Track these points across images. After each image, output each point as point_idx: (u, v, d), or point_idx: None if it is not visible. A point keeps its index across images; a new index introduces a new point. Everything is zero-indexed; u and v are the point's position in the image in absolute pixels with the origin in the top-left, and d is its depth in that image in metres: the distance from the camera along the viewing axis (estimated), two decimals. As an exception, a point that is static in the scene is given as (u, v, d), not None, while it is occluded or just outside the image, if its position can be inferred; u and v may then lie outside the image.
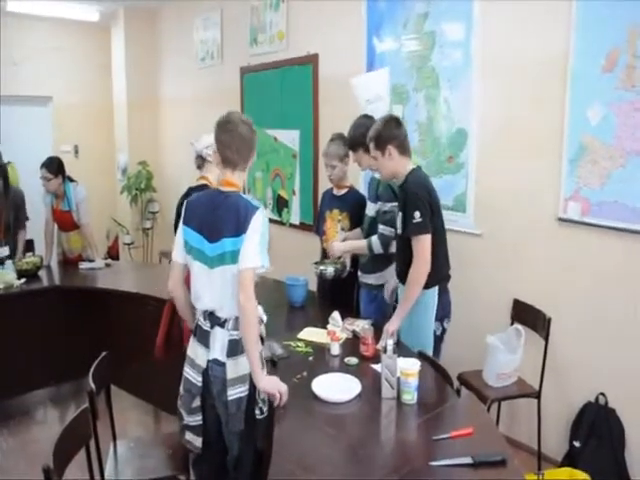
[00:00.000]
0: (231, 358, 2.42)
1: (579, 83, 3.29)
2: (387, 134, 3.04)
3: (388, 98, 4.16)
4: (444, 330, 3.10)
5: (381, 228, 3.38)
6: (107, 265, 5.00)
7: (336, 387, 2.46)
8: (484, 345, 3.46)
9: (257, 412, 2.45)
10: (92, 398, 2.43)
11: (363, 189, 4.64)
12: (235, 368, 2.42)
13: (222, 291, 2.43)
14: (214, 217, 2.42)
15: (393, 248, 3.36)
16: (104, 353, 2.79)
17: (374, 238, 3.40)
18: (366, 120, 3.48)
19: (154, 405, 4.35)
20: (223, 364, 2.43)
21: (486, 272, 3.90)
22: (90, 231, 5.02)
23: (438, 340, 3.09)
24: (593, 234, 3.31)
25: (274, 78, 5.62)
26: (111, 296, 4.41)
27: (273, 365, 2.73)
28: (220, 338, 2.45)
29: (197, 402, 2.55)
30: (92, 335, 4.46)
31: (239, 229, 2.34)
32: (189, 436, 2.58)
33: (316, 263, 3.68)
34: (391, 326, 2.94)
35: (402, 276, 3.08)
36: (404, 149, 3.08)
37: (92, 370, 2.60)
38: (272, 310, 3.63)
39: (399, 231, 3.08)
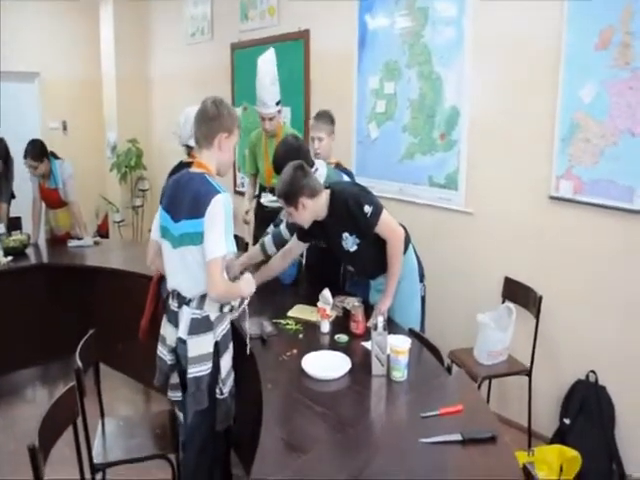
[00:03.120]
0: (192, 336, 2.43)
1: (572, 61, 3.27)
2: (294, 190, 2.81)
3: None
4: (425, 289, 3.12)
5: (282, 228, 3.31)
6: (96, 243, 4.96)
7: (326, 364, 2.46)
8: (475, 323, 3.46)
9: (217, 392, 2.49)
10: (79, 376, 2.43)
11: (355, 166, 4.62)
12: (196, 346, 2.43)
13: (184, 271, 2.46)
14: (179, 197, 2.45)
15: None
16: (91, 331, 2.77)
17: (267, 239, 3.32)
18: (294, 140, 3.29)
19: (144, 384, 4.34)
20: (185, 342, 2.46)
21: (477, 250, 3.90)
22: (78, 209, 4.97)
23: (423, 302, 3.11)
24: (585, 212, 3.30)
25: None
26: (100, 274, 4.38)
27: (263, 343, 2.72)
28: (185, 317, 2.48)
29: (175, 379, 2.59)
30: (81, 313, 4.43)
31: (196, 211, 2.34)
32: (176, 410, 2.62)
33: None
34: (383, 305, 2.93)
35: (379, 272, 3.06)
36: (314, 192, 2.86)
37: (79, 348, 2.59)
38: (261, 288, 3.63)
39: (351, 249, 2.98)
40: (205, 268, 2.37)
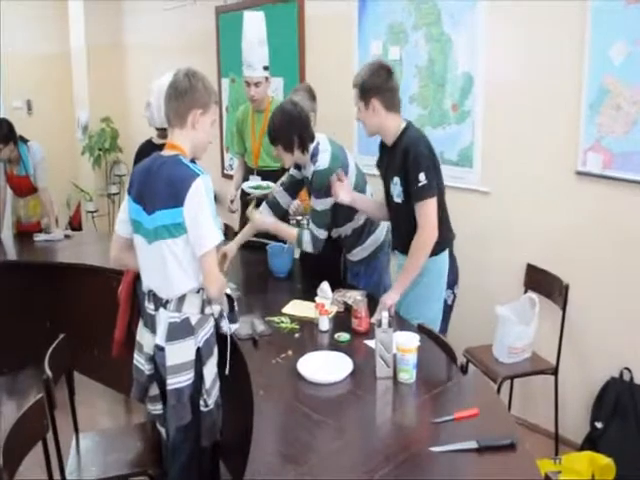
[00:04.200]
0: (170, 343, 2.43)
1: (600, 18, 3.24)
2: (372, 85, 2.95)
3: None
4: (454, 298, 3.11)
5: (314, 229, 3.28)
6: (67, 236, 4.97)
7: (325, 367, 2.47)
8: (494, 316, 3.46)
9: (201, 404, 2.49)
10: (48, 386, 2.43)
11: (357, 144, 4.61)
12: (175, 354, 2.42)
13: (161, 269, 2.44)
14: (151, 185, 2.43)
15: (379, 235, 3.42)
16: (61, 336, 2.78)
17: (306, 233, 3.30)
18: (289, 106, 3.27)
19: (124, 394, 4.35)
20: (163, 349, 2.46)
21: (495, 234, 3.89)
22: (48, 197, 4.98)
23: (449, 310, 3.11)
24: (616, 189, 3.29)
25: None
26: (72, 271, 4.39)
27: (254, 344, 2.73)
28: (163, 321, 2.47)
29: (155, 390, 2.59)
30: (52, 316, 4.45)
31: (174, 199, 2.33)
32: (158, 425, 2.63)
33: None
34: (389, 299, 2.92)
35: (405, 247, 3.03)
36: (391, 105, 2.99)
37: (48, 355, 2.60)
38: (253, 282, 3.65)
39: (396, 199, 3.03)
40: (183, 264, 2.39)
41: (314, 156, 3.24)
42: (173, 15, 6.80)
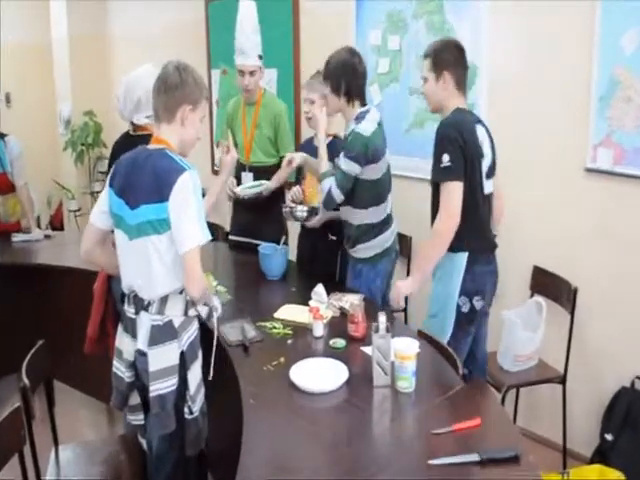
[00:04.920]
0: (153, 347, 2.43)
1: (611, 5, 3.24)
2: (448, 57, 3.04)
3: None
4: (473, 309, 3.05)
5: (333, 186, 3.34)
6: (47, 236, 4.96)
7: (319, 375, 2.46)
8: (498, 322, 3.46)
9: (186, 411, 2.49)
10: (25, 395, 2.43)
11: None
12: (158, 359, 2.43)
13: (143, 267, 2.45)
14: (135, 179, 2.44)
15: (372, 218, 3.42)
16: (40, 342, 2.77)
17: (326, 182, 3.37)
18: (348, 55, 3.41)
19: (106, 403, 4.34)
20: (145, 354, 2.45)
21: (500, 235, 3.87)
22: (27, 194, 4.96)
23: (464, 319, 3.04)
24: (628, 186, 3.30)
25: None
26: (52, 273, 4.38)
27: (244, 350, 2.72)
28: (145, 324, 2.48)
29: (135, 399, 2.58)
30: (29, 321, 4.43)
31: (160, 194, 2.35)
32: (139, 437, 2.63)
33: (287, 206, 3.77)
34: (405, 287, 2.96)
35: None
36: (462, 83, 3.08)
37: (25, 362, 2.59)
38: (243, 285, 3.65)
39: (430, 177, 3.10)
40: (166, 263, 2.40)
41: (360, 118, 3.33)
42: (160, 3, 6.81)
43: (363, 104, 3.41)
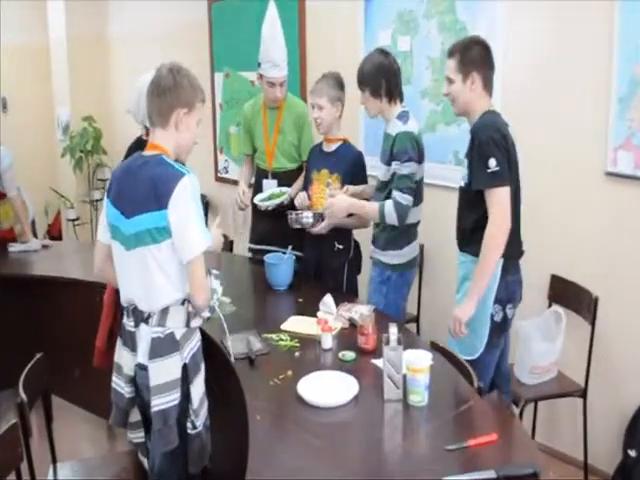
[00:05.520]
0: (154, 360, 2.43)
1: (631, 3, 3.23)
2: (476, 56, 3.02)
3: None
4: (505, 317, 3.06)
5: (397, 196, 3.34)
6: (44, 247, 4.98)
7: (328, 389, 2.46)
8: (515, 333, 3.44)
9: (189, 426, 2.48)
10: (22, 411, 2.44)
11: (363, 144, 4.61)
12: (160, 372, 2.43)
13: (142, 278, 2.46)
14: (130, 187, 2.44)
15: (411, 218, 3.43)
16: (38, 355, 2.78)
17: (388, 203, 3.36)
18: (382, 57, 3.48)
19: (107, 419, 4.34)
20: (146, 368, 2.46)
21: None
22: (19, 204, 4.96)
23: (496, 328, 3.04)
24: (649, 191, 3.29)
25: (250, 7, 5.53)
26: (51, 285, 4.39)
27: (250, 363, 2.73)
28: (145, 337, 2.48)
29: (136, 416, 2.58)
30: (27, 334, 4.44)
31: (158, 202, 2.35)
32: (139, 455, 2.62)
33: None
34: (463, 313, 2.94)
35: (463, 243, 3.12)
36: (488, 84, 3.08)
37: (23, 376, 2.60)
38: (249, 296, 3.66)
39: (460, 182, 3.10)
40: (166, 273, 2.40)
41: (404, 117, 3.42)
42: (162, 4, 6.83)
43: (401, 102, 3.52)
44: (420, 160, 3.41)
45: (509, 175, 2.92)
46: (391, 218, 3.35)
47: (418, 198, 3.46)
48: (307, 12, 5.12)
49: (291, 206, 3.90)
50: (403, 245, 3.51)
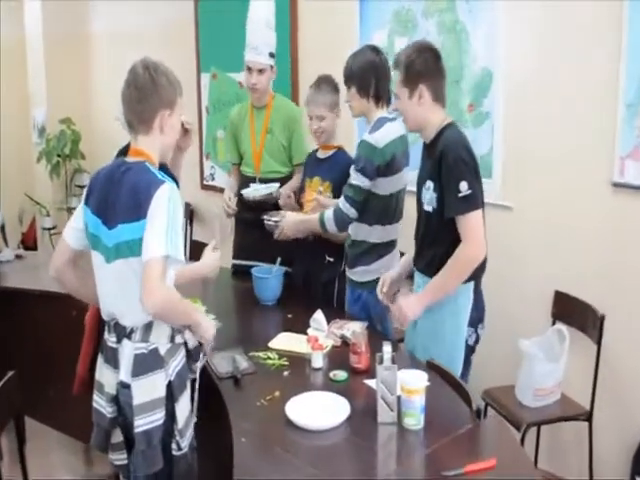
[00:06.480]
0: (137, 378, 2.43)
1: None
2: (422, 67, 2.96)
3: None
4: (478, 338, 3.08)
5: (340, 202, 3.36)
6: (18, 257, 4.98)
7: (318, 410, 2.47)
8: (516, 352, 3.47)
9: (174, 447, 2.49)
10: (-7, 433, 2.44)
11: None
12: (143, 391, 2.42)
13: (124, 292, 2.45)
14: (112, 196, 2.44)
15: (383, 237, 3.45)
16: (10, 373, 2.77)
17: (328, 212, 3.38)
18: (373, 54, 3.46)
19: (85, 442, 4.34)
20: (128, 386, 2.45)
21: (519, 256, 3.90)
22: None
23: (470, 351, 3.07)
24: (659, 203, 3.31)
25: (239, 6, 5.53)
26: (24, 298, 4.39)
27: (235, 383, 2.73)
28: (127, 353, 2.48)
29: (118, 436, 2.57)
30: (-1, 350, 4.44)
31: (138, 212, 2.35)
32: (121, 478, 2.62)
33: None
34: (410, 311, 2.94)
35: (427, 266, 3.06)
36: (440, 95, 3.03)
37: (-7, 396, 2.60)
38: (235, 311, 3.65)
39: (426, 207, 3.04)
40: None
41: (377, 127, 3.35)
42: (146, 2, 6.85)
43: (388, 106, 3.47)
44: (380, 174, 3.34)
45: (481, 198, 2.90)
46: (330, 224, 3.38)
47: (385, 217, 3.44)
48: (299, 10, 5.14)
49: (278, 206, 3.94)
50: (371, 261, 3.49)
